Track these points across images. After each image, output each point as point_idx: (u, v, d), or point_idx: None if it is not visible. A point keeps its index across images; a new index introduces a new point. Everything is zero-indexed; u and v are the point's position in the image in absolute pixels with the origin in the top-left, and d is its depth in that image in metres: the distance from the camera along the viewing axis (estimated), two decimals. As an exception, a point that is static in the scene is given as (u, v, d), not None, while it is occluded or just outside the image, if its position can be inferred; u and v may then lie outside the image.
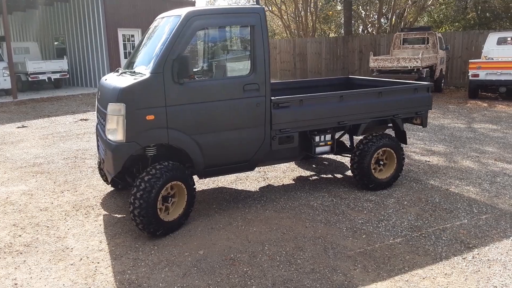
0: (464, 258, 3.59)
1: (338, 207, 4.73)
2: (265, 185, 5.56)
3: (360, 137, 5.39)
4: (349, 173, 5.93)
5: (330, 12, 27.81)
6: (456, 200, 4.86)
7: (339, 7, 26.41)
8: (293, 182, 5.63)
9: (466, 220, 4.33)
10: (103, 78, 4.77)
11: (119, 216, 4.64)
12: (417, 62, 12.36)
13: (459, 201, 4.84)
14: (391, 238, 3.97)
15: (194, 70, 4.44)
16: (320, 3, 25.80)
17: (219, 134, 4.31)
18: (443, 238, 3.96)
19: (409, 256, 3.63)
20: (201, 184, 5.56)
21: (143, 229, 3.97)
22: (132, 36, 18.29)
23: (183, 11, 4.22)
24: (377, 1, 21.40)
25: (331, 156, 6.68)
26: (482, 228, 4.14)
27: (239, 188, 5.44)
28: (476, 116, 10.17)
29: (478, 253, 3.66)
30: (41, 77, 16.80)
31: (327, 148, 5.07)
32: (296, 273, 3.42)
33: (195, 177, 4.60)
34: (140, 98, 3.91)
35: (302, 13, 24.74)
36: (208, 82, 4.44)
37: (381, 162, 5.20)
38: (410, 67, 12.49)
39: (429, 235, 4.01)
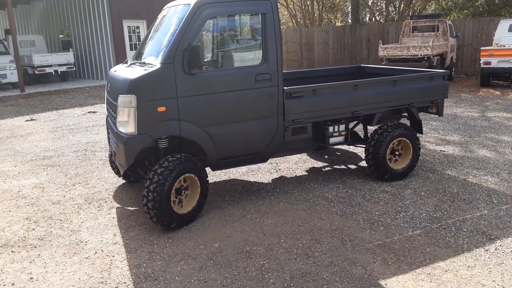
0: (487, 250, 3.50)
1: (354, 198, 4.65)
2: (278, 176, 5.48)
3: (375, 127, 5.28)
4: (363, 163, 5.84)
5: (337, 1, 27.44)
6: (475, 191, 4.75)
7: (345, -4, 26.05)
8: (306, 174, 5.55)
9: (486, 211, 4.23)
10: (112, 70, 4.69)
11: (132, 209, 4.60)
12: (427, 50, 12.15)
13: (477, 191, 4.73)
14: (410, 230, 3.88)
15: (205, 60, 4.34)
16: (327, -8, 25.47)
17: (231, 126, 4.23)
18: (464, 229, 3.86)
19: (430, 248, 3.55)
20: (213, 176, 5.50)
21: (157, 222, 3.92)
22: (137, 27, 18.16)
23: (192, 0, 4.11)
24: (385, -11, 21.04)
25: (344, 147, 6.58)
26: (503, 219, 4.03)
27: (252, 180, 5.37)
28: (489, 104, 9.98)
29: (500, 245, 3.57)
30: (48, 70, 16.78)
31: (341, 138, 4.98)
32: (314, 266, 3.35)
33: (207, 169, 4.53)
34: (151, 89, 3.83)
35: (308, 2, 24.43)
36: (219, 72, 4.35)
37: (397, 153, 5.09)
38: (421, 55, 12.29)
39: (449, 227, 3.92)
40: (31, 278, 3.33)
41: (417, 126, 5.45)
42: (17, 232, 4.13)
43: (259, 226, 4.07)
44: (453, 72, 14.52)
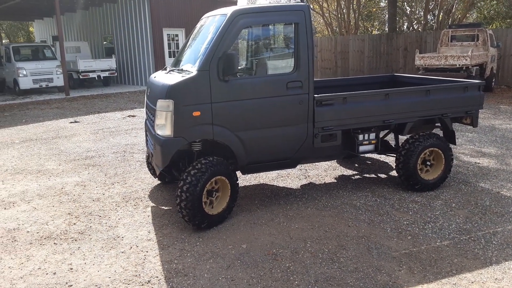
0: (517, 264, 3.44)
1: (382, 207, 4.66)
2: (306, 183, 5.56)
3: (406, 136, 5.26)
4: (393, 173, 5.82)
5: (374, 9, 27.18)
6: (508, 204, 4.64)
7: (383, 4, 25.77)
8: (335, 181, 5.60)
9: (519, 225, 4.13)
10: (152, 76, 4.96)
11: (166, 208, 4.82)
12: (466, 60, 11.85)
13: (511, 204, 4.62)
14: (438, 241, 3.86)
15: (239, 67, 4.51)
16: (363, 0, 25.29)
17: (262, 131, 4.37)
18: (494, 242, 3.80)
19: (457, 259, 3.53)
20: (243, 180, 5.65)
21: (188, 221, 4.10)
22: (176, 35, 18.77)
23: (228, 10, 4.30)
24: (424, -3, 20.68)
25: (374, 156, 6.56)
26: (537, 234, 3.93)
27: (281, 185, 5.48)
28: (530, 116, 9.61)
29: (532, 259, 3.49)
30: (91, 75, 17.63)
31: (371, 147, 5.00)
32: (339, 271, 3.41)
33: (238, 173, 4.68)
34: (187, 94, 4.04)
35: (345, 10, 24.36)
36: (252, 79, 4.51)
37: (428, 163, 5.05)
38: (459, 65, 12.00)
39: (479, 239, 3.87)
40: (71, 269, 3.58)
41: (450, 137, 5.39)
42: (60, 226, 4.43)
43: (286, 230, 4.17)
44: (493, 83, 14.05)
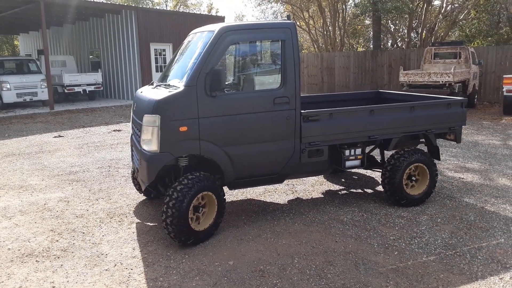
0: (501, 279, 3.47)
1: (369, 222, 4.67)
2: (294, 198, 5.56)
3: (392, 152, 5.33)
4: (379, 188, 5.86)
5: (359, 27, 27.75)
6: (492, 219, 4.71)
7: (367, 21, 26.33)
8: (322, 196, 5.61)
9: (503, 240, 4.18)
10: (138, 91, 4.94)
11: (151, 224, 4.75)
12: (449, 77, 12.14)
13: (495, 219, 4.69)
14: (424, 256, 3.88)
15: (226, 83, 4.54)
16: (349, 18, 25.82)
17: (249, 146, 4.37)
18: (479, 257, 3.84)
19: (443, 275, 3.54)
20: (230, 195, 5.62)
21: (174, 237, 4.04)
22: (164, 50, 18.81)
23: (216, 27, 4.34)
24: (407, 15, 21.21)
25: (361, 171, 6.61)
26: (521, 248, 3.99)
27: (268, 200, 5.47)
28: (511, 133, 9.84)
29: (516, 274, 3.53)
30: (77, 89, 17.49)
31: (357, 162, 5.04)
32: None
33: (225, 188, 4.66)
34: (174, 110, 4.03)
35: (330, 27, 24.81)
36: (239, 95, 4.53)
37: (413, 178, 5.11)
38: (442, 82, 12.27)
39: (464, 254, 3.90)
40: (54, 287, 3.48)
41: (435, 152, 5.47)
42: (42, 243, 4.32)
43: (274, 246, 4.15)
44: (475, 100, 14.39)
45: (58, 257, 4.00)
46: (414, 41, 23.63)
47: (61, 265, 3.85)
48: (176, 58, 5.03)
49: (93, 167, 7.28)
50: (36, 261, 3.94)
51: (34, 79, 15.96)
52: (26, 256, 4.04)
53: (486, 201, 5.27)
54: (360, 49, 29.23)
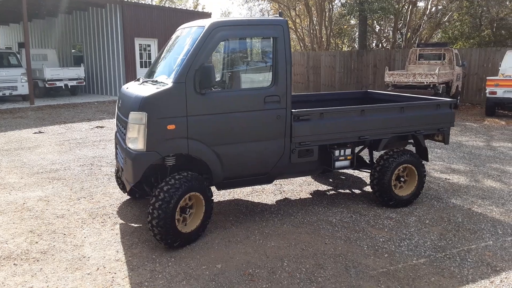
0: (492, 282, 3.46)
1: (358, 224, 4.63)
2: (282, 198, 5.48)
3: (381, 153, 5.29)
4: (367, 188, 5.83)
5: (345, 26, 27.88)
6: (480, 220, 4.72)
7: (353, 22, 26.47)
8: (310, 196, 5.54)
9: (491, 242, 4.19)
10: (124, 87, 4.77)
11: (136, 225, 4.59)
12: (433, 78, 12.26)
13: (482, 221, 4.70)
14: (415, 258, 3.85)
15: (216, 80, 4.42)
16: (335, 17, 25.91)
17: (238, 146, 4.27)
18: (469, 260, 3.82)
19: (434, 278, 3.51)
20: (217, 195, 5.50)
21: (160, 240, 3.91)
22: (149, 45, 18.50)
23: (206, 22, 4.22)
24: (393, 16, 21.38)
25: (348, 171, 6.58)
26: (509, 251, 3.99)
27: (256, 201, 5.37)
28: (494, 134, 9.99)
29: (506, 277, 3.53)
30: (58, 83, 17.03)
31: (346, 162, 4.99)
32: (317, 292, 3.32)
33: (212, 188, 4.54)
34: (162, 107, 3.89)
35: (317, 26, 24.84)
36: (229, 93, 4.42)
37: (402, 179, 5.09)
38: (426, 82, 12.39)
39: (454, 256, 3.88)
40: (32, 292, 3.31)
41: (423, 153, 5.47)
42: (20, 245, 4.13)
43: (262, 248, 4.06)
44: (458, 101, 14.59)
45: (38, 260, 3.82)
46: (399, 42, 23.87)
47: (41, 268, 3.67)
48: (163, 54, 4.87)
49: (75, 165, 7.05)
50: (14, 264, 3.75)
51: (14, 73, 15.47)
52: (3, 259, 3.84)
53: (473, 202, 5.29)
54: (345, 49, 29.39)
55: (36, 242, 4.18)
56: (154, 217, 3.83)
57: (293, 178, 6.18)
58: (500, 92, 12.04)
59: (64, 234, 4.37)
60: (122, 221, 4.71)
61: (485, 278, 3.51)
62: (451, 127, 5.45)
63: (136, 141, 3.91)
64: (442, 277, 3.53)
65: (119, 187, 5.38)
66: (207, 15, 21.39)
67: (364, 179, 6.29)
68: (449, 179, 6.32)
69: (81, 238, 4.28)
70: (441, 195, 5.57)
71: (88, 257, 3.87)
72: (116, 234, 4.38)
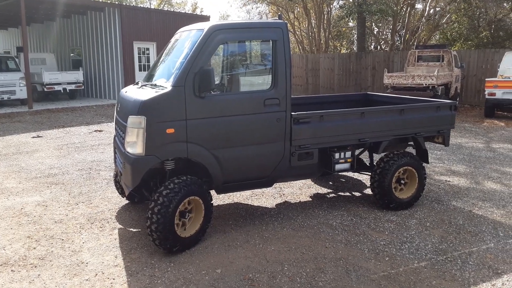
0: (494, 285, 3.43)
1: (358, 227, 4.60)
2: (282, 201, 5.45)
3: (381, 155, 5.27)
4: (367, 191, 5.80)
5: (344, 29, 27.92)
6: (481, 223, 4.69)
7: (351, 24, 26.51)
8: (310, 200, 5.52)
9: (492, 244, 4.16)
10: (123, 90, 4.75)
11: (135, 230, 4.56)
12: (432, 79, 12.25)
13: (483, 223, 4.68)
14: (416, 262, 3.82)
15: (215, 84, 4.39)
16: (333, 20, 25.94)
17: (238, 149, 4.24)
18: (470, 262, 3.80)
19: (436, 281, 3.48)
20: (217, 199, 5.47)
21: (159, 245, 3.88)
22: (147, 49, 18.49)
23: (205, 25, 4.20)
24: (391, 18, 21.41)
25: (348, 174, 6.55)
26: (510, 253, 3.97)
27: (255, 204, 5.34)
28: (493, 135, 9.98)
29: (508, 280, 3.50)
30: (57, 87, 16.99)
31: (346, 165, 4.97)
32: (318, 296, 3.29)
33: (212, 192, 4.51)
34: (161, 111, 3.86)
35: (315, 29, 24.86)
36: (229, 96, 4.40)
37: (402, 182, 5.07)
38: (425, 84, 12.38)
39: (455, 259, 3.85)
40: (30, 299, 3.28)
41: (423, 156, 5.44)
42: (18, 251, 4.09)
43: (262, 252, 4.02)
44: (457, 102, 14.56)
45: (36, 266, 3.78)
46: (397, 44, 23.90)
47: (39, 274, 3.64)
48: (162, 57, 4.85)
49: (73, 169, 7.02)
50: (12, 270, 3.71)
51: (13, 77, 15.42)
52: (1, 265, 3.81)
53: (473, 205, 5.26)
54: (343, 51, 29.42)
55: (34, 248, 4.14)
56: (153, 222, 3.80)
57: (293, 181, 6.15)
58: (499, 94, 12.04)
59: (62, 240, 4.33)
60: (121, 226, 4.67)
61: (487, 281, 3.48)
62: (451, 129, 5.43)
63: (135, 145, 3.88)
64: (443, 280, 3.50)
65: (118, 192, 5.34)
66: (205, 18, 21.41)
67: (364, 181, 6.26)
68: (449, 181, 6.29)
69: (79, 243, 4.25)
70: (442, 197, 5.54)
71: (87, 263, 3.83)
72: (115, 239, 4.34)
